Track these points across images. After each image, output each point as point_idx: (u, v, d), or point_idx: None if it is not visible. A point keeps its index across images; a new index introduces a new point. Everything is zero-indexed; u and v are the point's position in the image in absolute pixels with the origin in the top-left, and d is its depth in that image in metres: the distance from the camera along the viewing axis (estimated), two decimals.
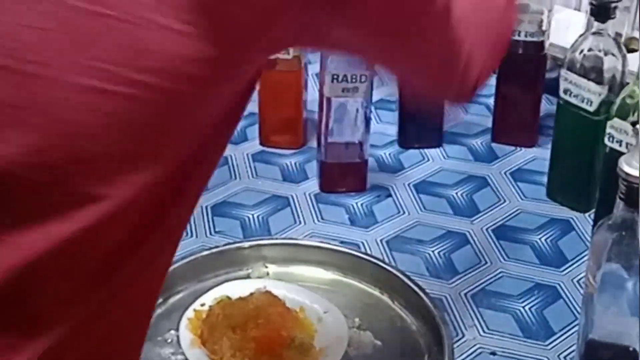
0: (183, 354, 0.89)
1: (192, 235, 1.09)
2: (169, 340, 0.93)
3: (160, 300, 0.97)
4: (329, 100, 1.13)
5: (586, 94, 1.06)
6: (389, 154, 1.26)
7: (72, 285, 0.53)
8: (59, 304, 0.53)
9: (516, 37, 1.19)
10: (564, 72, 1.08)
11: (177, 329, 0.91)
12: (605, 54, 1.05)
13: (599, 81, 1.05)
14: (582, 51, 1.06)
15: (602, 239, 0.80)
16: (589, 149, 1.08)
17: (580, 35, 1.07)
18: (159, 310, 0.97)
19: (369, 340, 0.94)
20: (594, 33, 1.05)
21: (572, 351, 0.92)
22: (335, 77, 1.10)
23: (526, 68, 1.22)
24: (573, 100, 1.07)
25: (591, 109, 1.06)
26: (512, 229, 1.11)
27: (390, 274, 0.99)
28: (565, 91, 1.08)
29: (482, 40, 0.68)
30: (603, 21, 1.04)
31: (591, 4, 1.04)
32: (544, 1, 1.18)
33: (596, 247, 0.81)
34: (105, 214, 0.51)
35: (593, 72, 1.05)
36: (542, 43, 1.20)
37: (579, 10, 1.36)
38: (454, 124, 1.31)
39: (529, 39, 1.19)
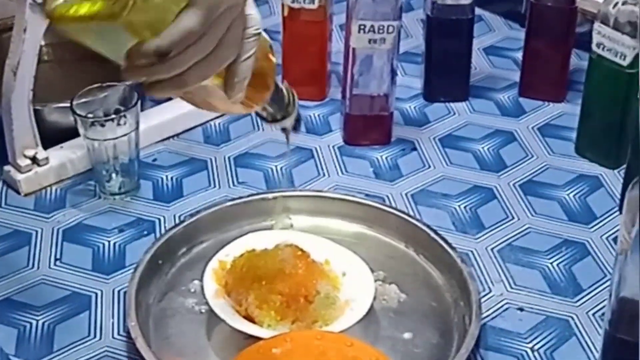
0: (207, 303, 0.88)
1: (215, 186, 1.08)
2: (193, 290, 0.92)
3: (183, 250, 0.97)
4: (354, 51, 1.11)
5: (620, 48, 1.04)
6: (415, 107, 1.24)
7: None
8: None
9: None
10: (597, 25, 1.05)
11: (200, 279, 0.90)
12: None
13: (633, 35, 1.02)
14: (616, 4, 1.04)
15: (638, 196, 0.78)
16: (621, 104, 1.06)
17: None
18: (182, 260, 0.96)
19: (395, 294, 0.93)
20: None
21: (601, 308, 0.91)
22: (362, 27, 1.08)
23: (556, 21, 1.19)
24: (606, 54, 1.05)
25: (624, 63, 1.04)
26: (539, 185, 1.09)
27: (416, 227, 0.98)
28: (598, 45, 1.06)
29: None
30: None
31: None
32: None
33: (631, 203, 0.79)
34: None
35: (627, 25, 1.03)
36: None
37: None
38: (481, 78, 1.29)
39: None
